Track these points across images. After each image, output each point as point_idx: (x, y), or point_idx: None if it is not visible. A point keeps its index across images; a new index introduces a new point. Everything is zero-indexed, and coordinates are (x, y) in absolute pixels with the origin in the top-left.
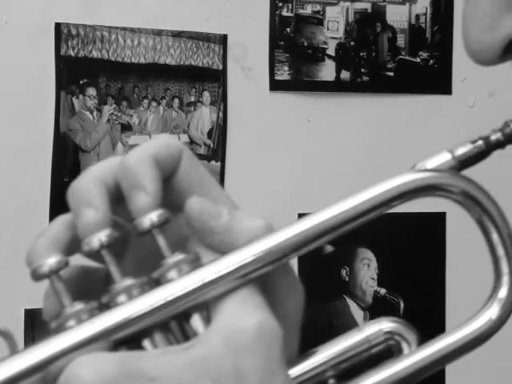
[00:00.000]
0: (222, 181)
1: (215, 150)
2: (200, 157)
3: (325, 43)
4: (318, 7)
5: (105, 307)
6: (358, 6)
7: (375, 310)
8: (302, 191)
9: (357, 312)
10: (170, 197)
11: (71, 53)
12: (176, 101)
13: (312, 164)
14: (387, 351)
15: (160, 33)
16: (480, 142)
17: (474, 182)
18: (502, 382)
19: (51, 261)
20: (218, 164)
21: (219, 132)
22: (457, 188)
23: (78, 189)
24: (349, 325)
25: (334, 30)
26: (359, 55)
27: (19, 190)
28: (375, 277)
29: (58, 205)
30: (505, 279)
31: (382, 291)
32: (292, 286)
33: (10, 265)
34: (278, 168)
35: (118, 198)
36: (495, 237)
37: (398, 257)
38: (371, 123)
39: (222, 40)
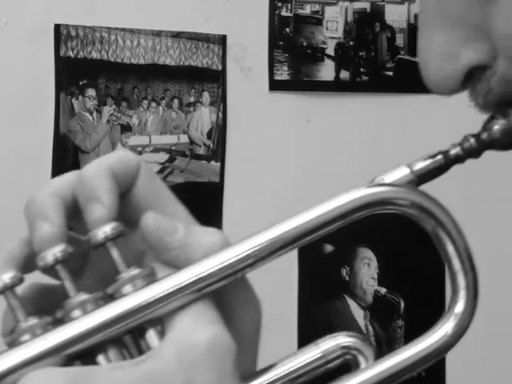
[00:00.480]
0: (221, 181)
1: (215, 150)
2: (200, 157)
3: (324, 43)
4: (317, 7)
5: (59, 322)
6: (357, 5)
7: (375, 309)
8: (301, 191)
9: (357, 311)
10: (127, 212)
11: (71, 54)
12: (175, 101)
13: (312, 164)
14: (345, 366)
15: (159, 33)
16: (439, 157)
17: (428, 196)
18: (502, 382)
19: (5, 277)
20: (218, 164)
21: (219, 132)
22: (410, 202)
23: (34, 202)
24: (349, 324)
25: (333, 29)
26: (358, 55)
27: (19, 190)
28: (375, 276)
29: None
30: (461, 293)
31: (383, 291)
32: (248, 302)
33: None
34: (277, 168)
35: (76, 213)
36: (451, 250)
37: (398, 256)
38: (371, 123)
39: (222, 40)
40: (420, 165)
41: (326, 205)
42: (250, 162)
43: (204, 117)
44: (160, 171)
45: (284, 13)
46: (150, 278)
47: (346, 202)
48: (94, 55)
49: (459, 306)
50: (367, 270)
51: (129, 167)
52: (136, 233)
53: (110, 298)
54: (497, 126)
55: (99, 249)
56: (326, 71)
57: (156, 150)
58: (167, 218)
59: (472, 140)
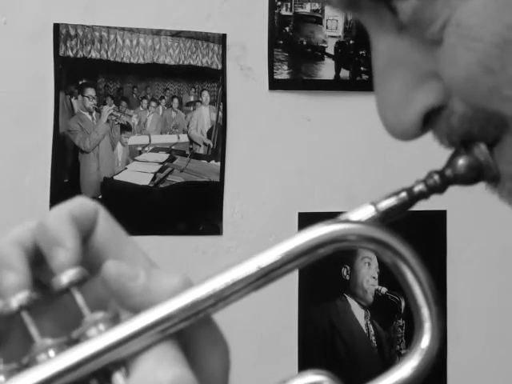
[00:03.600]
0: (221, 180)
1: (215, 149)
2: (200, 156)
3: (324, 42)
4: (317, 6)
5: (24, 367)
6: None
7: (376, 308)
8: (301, 190)
9: (358, 311)
10: (89, 257)
11: (70, 53)
12: (175, 101)
13: (312, 163)
14: None
15: (159, 33)
16: (403, 194)
17: (388, 232)
18: (502, 382)
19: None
20: (218, 164)
21: (219, 132)
22: (370, 237)
23: None
24: (350, 324)
25: (333, 28)
26: (358, 54)
27: (19, 190)
28: (376, 276)
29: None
30: (426, 327)
31: (383, 290)
32: (215, 342)
33: None
34: (277, 167)
35: (38, 260)
36: (415, 287)
37: None
38: (371, 122)
39: (221, 39)
40: (384, 203)
41: (289, 242)
42: (249, 162)
43: (204, 116)
44: (160, 171)
45: (284, 12)
46: (114, 321)
47: (309, 238)
48: (94, 54)
49: (425, 341)
50: (368, 269)
51: (88, 212)
52: (99, 277)
53: (75, 342)
54: (461, 162)
55: (63, 294)
56: (326, 70)
57: (156, 149)
58: (128, 264)
59: (436, 177)
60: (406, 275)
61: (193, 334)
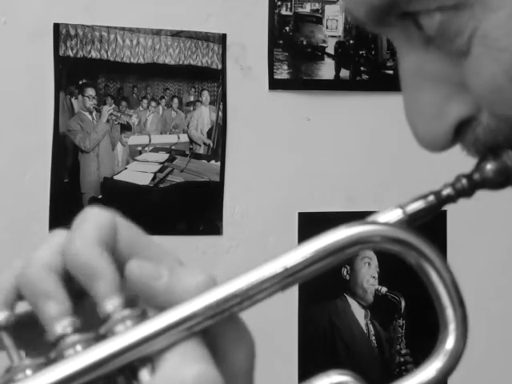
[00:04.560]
0: (221, 180)
1: (215, 149)
2: (200, 156)
3: (324, 42)
4: (317, 6)
5: (52, 362)
6: None
7: (376, 308)
8: (301, 190)
9: (358, 311)
10: (117, 261)
11: (70, 53)
12: (175, 100)
13: (312, 163)
14: None
15: (159, 32)
16: (431, 198)
17: (413, 233)
18: (502, 381)
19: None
20: (218, 163)
21: (219, 131)
22: (394, 238)
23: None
24: (350, 323)
25: (333, 28)
26: (359, 53)
27: (19, 189)
28: (376, 275)
29: (58, 205)
30: (451, 328)
31: (383, 290)
32: (240, 340)
33: (10, 265)
34: (277, 167)
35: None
36: (440, 288)
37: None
38: (371, 122)
39: (221, 39)
40: (413, 206)
41: (318, 241)
42: (249, 161)
43: (204, 116)
44: (160, 171)
45: (284, 11)
46: (142, 318)
47: (335, 240)
48: (94, 54)
49: (449, 343)
50: (367, 269)
51: (109, 226)
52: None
53: (103, 338)
54: (489, 166)
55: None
56: (326, 70)
57: (156, 149)
58: (150, 264)
59: (464, 180)
60: (431, 276)
61: (219, 331)
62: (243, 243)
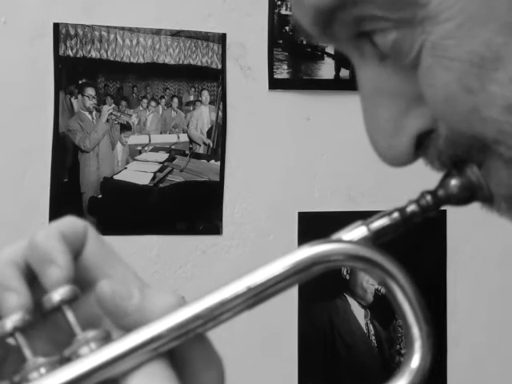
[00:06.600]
0: (221, 180)
1: (215, 149)
2: (199, 156)
3: None
4: None
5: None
6: None
7: (376, 308)
8: (301, 190)
9: (358, 310)
10: (78, 275)
11: (70, 53)
12: (175, 100)
13: (312, 163)
14: None
15: (159, 32)
16: (396, 214)
17: (376, 250)
18: (502, 381)
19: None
20: (218, 163)
21: (219, 131)
22: (357, 256)
23: None
24: (350, 323)
25: None
26: None
27: (19, 189)
28: None
29: (58, 204)
30: (416, 346)
31: (383, 290)
32: (208, 361)
33: None
34: (277, 167)
35: (31, 279)
36: (405, 306)
37: (398, 255)
38: None
39: (221, 39)
40: (376, 223)
41: (282, 261)
42: (249, 161)
43: (204, 116)
44: (159, 170)
45: (283, 11)
46: (106, 340)
47: (296, 260)
48: (94, 54)
49: (415, 361)
50: None
51: (77, 231)
52: (89, 296)
53: (67, 360)
54: (453, 182)
55: (55, 312)
56: (326, 70)
57: (155, 149)
58: (122, 284)
59: (428, 197)
60: (396, 294)
61: (187, 353)
62: (243, 243)
